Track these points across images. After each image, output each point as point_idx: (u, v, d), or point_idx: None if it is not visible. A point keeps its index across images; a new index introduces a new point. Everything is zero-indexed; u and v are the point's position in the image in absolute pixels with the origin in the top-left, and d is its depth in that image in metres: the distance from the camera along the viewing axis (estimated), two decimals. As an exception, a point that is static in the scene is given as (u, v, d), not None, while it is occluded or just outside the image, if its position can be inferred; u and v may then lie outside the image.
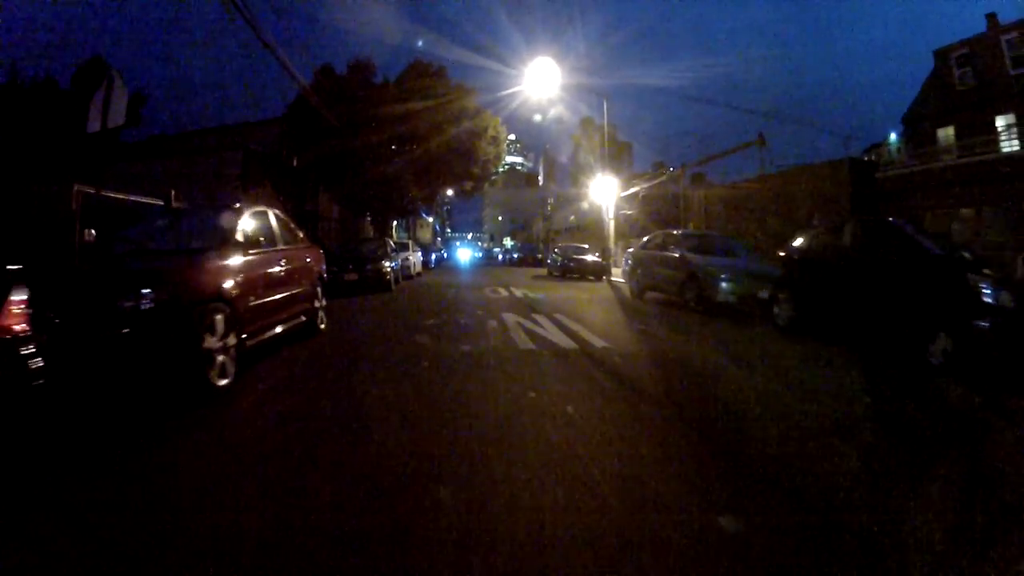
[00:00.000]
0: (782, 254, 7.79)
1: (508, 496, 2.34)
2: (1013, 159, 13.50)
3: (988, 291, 4.61)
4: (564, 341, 6.04)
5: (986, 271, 4.92)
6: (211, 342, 3.87)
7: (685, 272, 9.61)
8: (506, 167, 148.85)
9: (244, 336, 4.35)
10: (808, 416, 3.63)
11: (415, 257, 21.11)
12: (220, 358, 3.96)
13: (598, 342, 5.98)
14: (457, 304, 10.25)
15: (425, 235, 53.98)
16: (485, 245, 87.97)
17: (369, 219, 30.45)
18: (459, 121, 24.49)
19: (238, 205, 5.53)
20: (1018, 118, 15.08)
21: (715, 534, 2.06)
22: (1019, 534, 2.12)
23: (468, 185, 27.58)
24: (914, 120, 18.47)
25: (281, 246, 5.56)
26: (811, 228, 8.16)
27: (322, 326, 6.55)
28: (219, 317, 3.98)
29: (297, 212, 25.25)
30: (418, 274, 20.93)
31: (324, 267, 6.90)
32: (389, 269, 13.14)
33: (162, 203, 8.58)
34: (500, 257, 53.94)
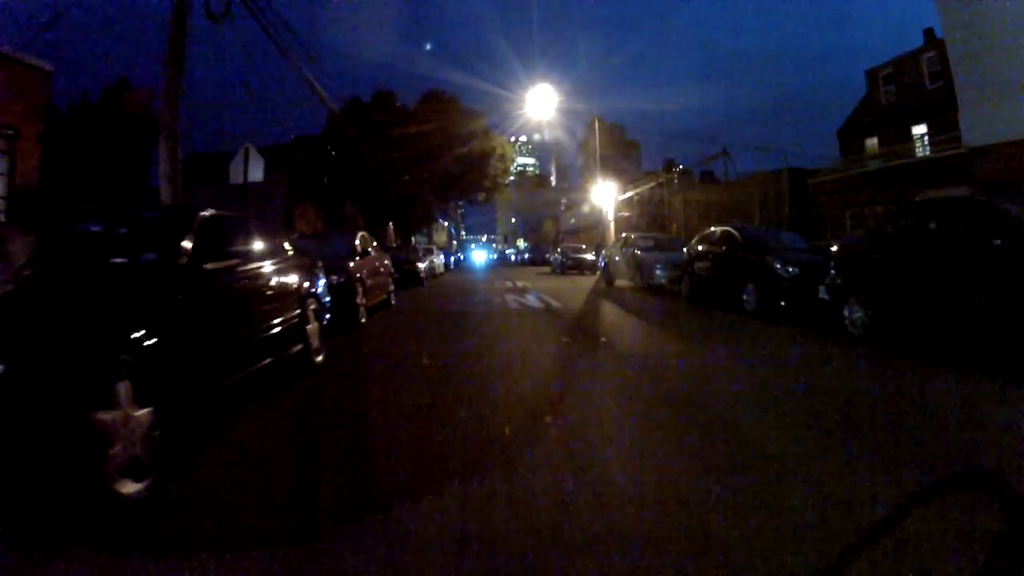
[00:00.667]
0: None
1: (501, 352, 6.28)
2: (927, 161, 16.93)
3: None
4: (537, 305, 10.16)
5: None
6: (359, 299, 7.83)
7: (636, 263, 13.48)
8: (518, 169, 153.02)
9: (360, 303, 8.31)
10: (648, 324, 7.50)
11: (438, 260, 25.14)
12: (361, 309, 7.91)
13: (555, 305, 10.13)
14: (473, 291, 14.39)
15: (441, 238, 58.05)
16: (499, 247, 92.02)
17: (392, 227, 34.61)
18: (470, 142, 28.59)
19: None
20: (930, 127, 18.51)
21: (581, 369, 5.96)
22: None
23: (480, 196, 31.80)
24: (847, 133, 21.98)
25: (373, 254, 9.57)
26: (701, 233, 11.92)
27: (393, 302, 10.56)
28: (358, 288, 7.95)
29: (329, 223, 29.68)
30: (441, 273, 25.01)
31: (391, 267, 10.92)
32: (421, 268, 17.21)
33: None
34: (513, 258, 57.92)
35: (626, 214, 38.81)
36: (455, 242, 73.15)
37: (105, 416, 2.13)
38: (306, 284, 4.83)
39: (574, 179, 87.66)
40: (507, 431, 3.16)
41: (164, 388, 2.49)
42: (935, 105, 18.96)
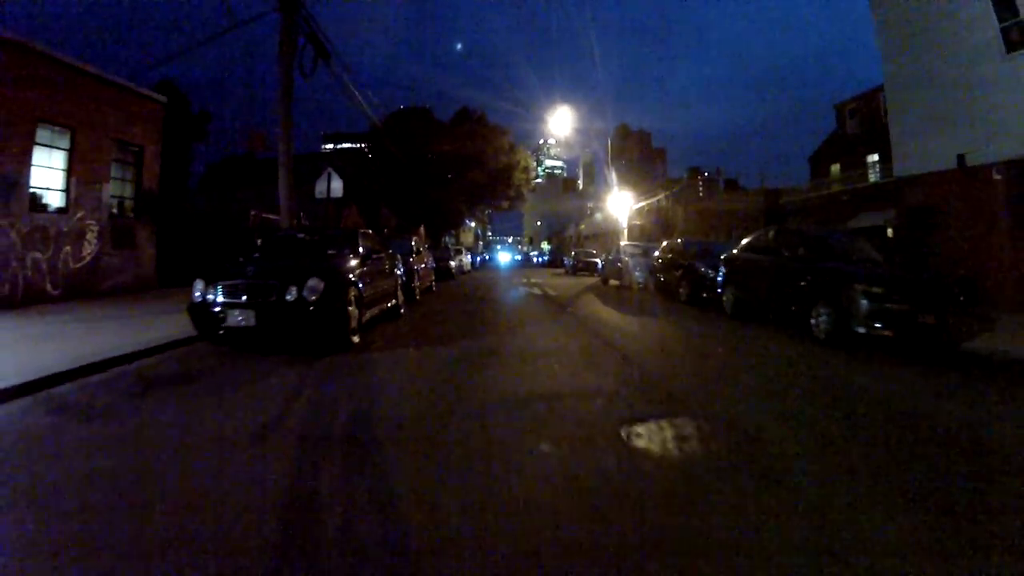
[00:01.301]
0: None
1: (504, 309, 10.14)
2: (867, 187, 20.09)
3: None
4: (538, 292, 13.96)
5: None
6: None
7: (621, 266, 17.14)
8: (546, 171, 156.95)
9: (415, 285, 12.23)
10: (605, 304, 11.23)
11: (466, 259, 29.12)
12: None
13: (552, 294, 13.96)
14: (493, 284, 18.29)
15: (468, 239, 62.10)
16: (524, 248, 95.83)
17: (423, 229, 38.76)
18: (497, 156, 32.53)
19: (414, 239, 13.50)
20: (881, 157, 21.55)
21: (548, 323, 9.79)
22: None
23: (505, 204, 35.73)
24: (816, 158, 25.11)
25: (423, 253, 13.49)
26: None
27: (434, 288, 14.47)
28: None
29: (369, 223, 34.00)
30: (468, 271, 29.00)
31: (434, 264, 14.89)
32: (453, 266, 21.20)
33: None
34: (535, 260, 61.64)
35: (638, 223, 42.16)
36: (481, 243, 77.29)
37: (350, 308, 6.04)
38: (397, 270, 8.77)
39: (600, 184, 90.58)
40: (504, 326, 7.05)
41: (361, 301, 6.38)
42: (887, 137, 21.96)
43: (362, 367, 5.13)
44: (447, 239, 41.89)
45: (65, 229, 11.09)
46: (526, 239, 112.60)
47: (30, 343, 5.81)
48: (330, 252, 6.66)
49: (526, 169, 34.03)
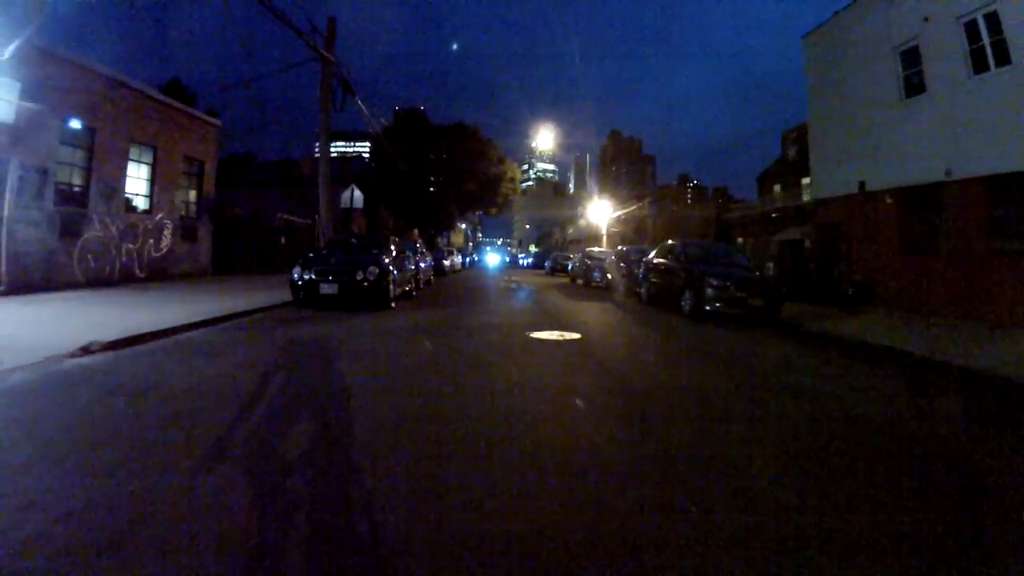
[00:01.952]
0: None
1: (485, 294, 13.80)
2: (790, 208, 23.96)
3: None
4: (513, 286, 17.60)
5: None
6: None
7: (587, 268, 20.84)
8: (536, 174, 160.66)
9: (419, 277, 15.83)
10: (561, 295, 14.92)
11: (457, 259, 32.68)
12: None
13: (525, 287, 17.65)
14: (481, 279, 21.93)
15: (458, 240, 65.40)
16: (513, 250, 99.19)
17: (417, 231, 42.18)
18: (488, 167, 36.19)
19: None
20: (812, 179, 25.53)
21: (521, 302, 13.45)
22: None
23: (493, 210, 39.42)
24: (763, 179, 29.12)
25: (426, 254, 17.09)
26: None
27: (432, 282, 18.06)
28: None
29: (370, 225, 37.49)
30: (459, 270, 32.59)
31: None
32: (446, 265, 24.82)
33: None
34: (521, 263, 65.11)
35: (617, 229, 45.95)
36: (471, 244, 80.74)
37: (389, 287, 9.77)
38: (412, 265, 12.41)
39: (590, 189, 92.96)
40: (480, 302, 10.73)
41: (395, 283, 10.11)
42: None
43: (396, 316, 8.84)
44: (441, 240, 45.41)
45: (149, 226, 14.49)
46: (515, 241, 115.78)
47: (175, 304, 9.27)
48: (374, 251, 10.24)
49: (513, 180, 37.79)
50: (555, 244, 77.16)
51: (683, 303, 10.57)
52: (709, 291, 9.78)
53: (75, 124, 12.12)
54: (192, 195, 16.70)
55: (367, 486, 2.44)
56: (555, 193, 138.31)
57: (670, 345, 7.32)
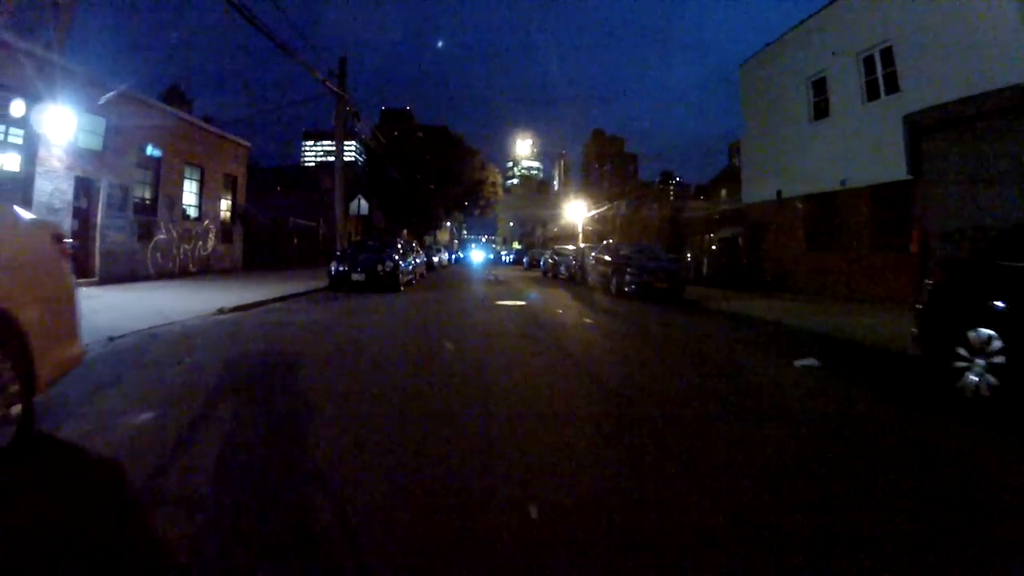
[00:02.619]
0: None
1: (468, 285, 17.72)
2: (727, 210, 28.13)
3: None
4: (493, 279, 21.64)
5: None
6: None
7: (555, 263, 24.81)
8: (521, 171, 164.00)
9: (416, 271, 19.65)
10: (532, 284, 18.89)
11: (444, 256, 36.46)
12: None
13: (501, 279, 21.64)
14: (467, 273, 25.84)
15: (443, 236, 68.63)
16: (497, 247, 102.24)
17: (406, 230, 45.71)
18: (472, 173, 39.95)
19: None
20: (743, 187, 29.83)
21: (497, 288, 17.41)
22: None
23: (477, 212, 43.20)
24: (713, 183, 33.27)
25: (420, 252, 20.95)
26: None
27: (424, 276, 21.88)
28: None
29: (365, 226, 41.15)
30: (446, 266, 36.38)
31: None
32: (435, 261, 28.65)
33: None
34: (503, 259, 68.81)
35: (591, 227, 49.92)
36: (456, 241, 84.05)
37: (400, 276, 13.73)
38: (412, 261, 16.31)
39: (579, 182, 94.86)
40: (465, 287, 14.66)
41: (404, 274, 14.10)
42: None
43: (405, 296, 12.77)
44: (429, 239, 49.07)
45: (199, 231, 18.09)
46: (499, 238, 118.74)
47: (242, 290, 12.99)
48: (388, 250, 14.07)
49: (495, 184, 41.65)
50: (536, 241, 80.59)
51: (611, 286, 14.57)
52: (627, 277, 13.79)
53: (148, 151, 15.71)
54: (228, 204, 20.32)
55: (433, 338, 6.36)
56: (539, 191, 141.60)
57: (587, 307, 11.32)
